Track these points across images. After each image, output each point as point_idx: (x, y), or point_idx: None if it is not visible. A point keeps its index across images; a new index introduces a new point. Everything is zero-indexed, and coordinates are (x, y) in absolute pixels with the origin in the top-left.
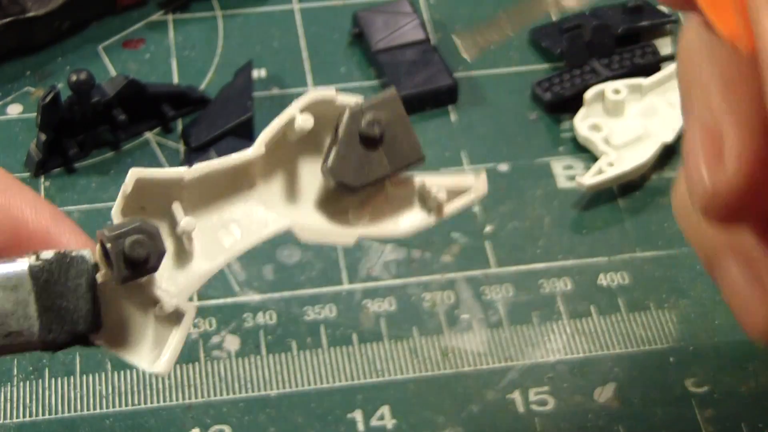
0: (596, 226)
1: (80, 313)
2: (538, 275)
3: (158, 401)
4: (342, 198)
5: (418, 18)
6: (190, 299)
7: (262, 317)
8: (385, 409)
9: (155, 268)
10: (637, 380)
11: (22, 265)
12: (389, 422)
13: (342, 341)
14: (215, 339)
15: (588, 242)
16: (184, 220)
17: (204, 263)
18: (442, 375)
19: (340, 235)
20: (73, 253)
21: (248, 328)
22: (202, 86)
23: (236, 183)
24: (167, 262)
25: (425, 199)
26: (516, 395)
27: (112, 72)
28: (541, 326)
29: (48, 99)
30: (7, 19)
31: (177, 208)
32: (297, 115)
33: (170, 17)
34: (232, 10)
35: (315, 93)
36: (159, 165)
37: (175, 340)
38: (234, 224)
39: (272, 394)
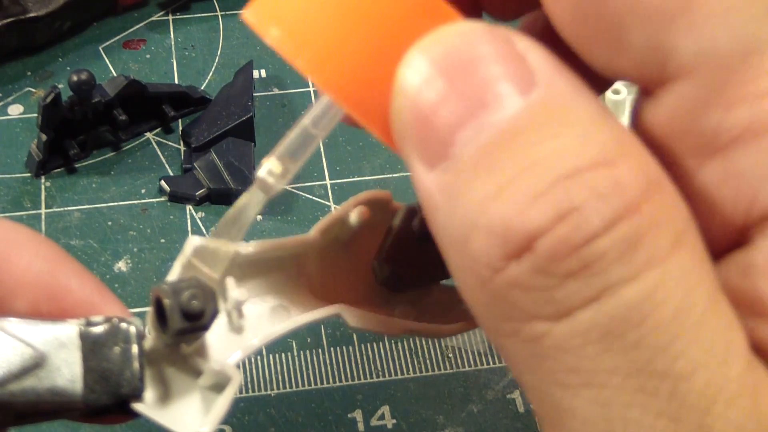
0: None
1: (124, 376)
2: None
3: None
4: (390, 295)
5: None
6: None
7: None
8: (385, 409)
9: (207, 327)
10: None
11: (71, 326)
12: (389, 422)
13: (342, 341)
14: None
15: None
16: (236, 292)
17: (251, 338)
18: (442, 375)
19: (388, 325)
20: (122, 319)
21: None
22: (203, 86)
23: (289, 264)
24: (216, 335)
25: None
26: (516, 395)
27: (113, 72)
28: None
29: (49, 99)
30: (8, 20)
31: (230, 281)
32: (353, 208)
33: (171, 17)
34: (232, 10)
35: (372, 192)
36: (159, 165)
37: (217, 406)
38: (283, 303)
39: (272, 394)
